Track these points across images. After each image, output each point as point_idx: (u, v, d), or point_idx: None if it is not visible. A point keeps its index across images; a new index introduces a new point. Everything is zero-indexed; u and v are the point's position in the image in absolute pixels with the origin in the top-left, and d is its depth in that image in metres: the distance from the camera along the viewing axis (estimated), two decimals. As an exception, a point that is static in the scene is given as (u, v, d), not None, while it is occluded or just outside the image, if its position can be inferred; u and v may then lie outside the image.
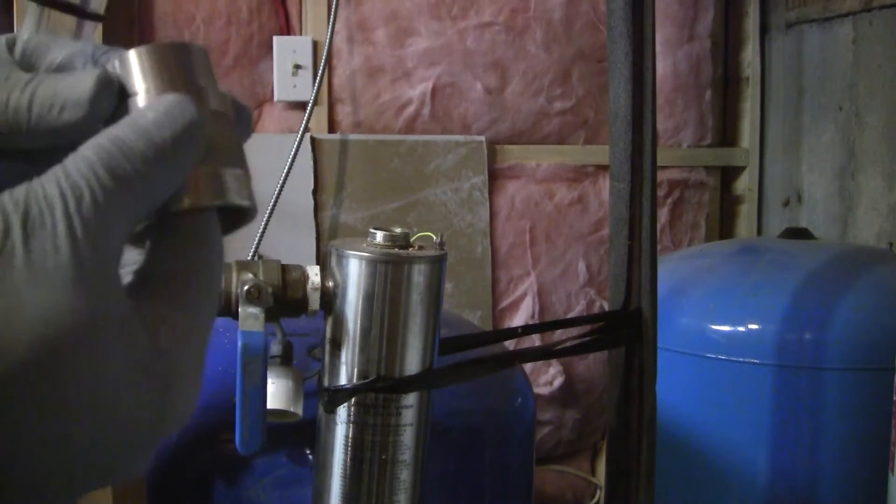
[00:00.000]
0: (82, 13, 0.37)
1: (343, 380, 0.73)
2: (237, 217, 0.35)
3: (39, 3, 0.36)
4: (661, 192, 2.24)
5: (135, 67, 0.34)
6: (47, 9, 0.36)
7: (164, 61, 0.34)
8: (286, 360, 0.95)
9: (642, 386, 0.96)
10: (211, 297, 0.33)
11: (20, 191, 0.28)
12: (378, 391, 0.73)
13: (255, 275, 0.72)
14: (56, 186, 0.28)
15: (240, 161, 0.35)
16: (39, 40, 0.36)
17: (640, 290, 0.95)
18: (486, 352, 0.98)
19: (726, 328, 1.53)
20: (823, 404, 1.46)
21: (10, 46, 0.35)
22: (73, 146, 0.34)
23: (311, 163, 1.99)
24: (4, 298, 0.26)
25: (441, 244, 0.75)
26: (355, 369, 0.73)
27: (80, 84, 0.33)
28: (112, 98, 0.33)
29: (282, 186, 1.78)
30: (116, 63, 0.34)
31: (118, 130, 0.30)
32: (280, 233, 1.87)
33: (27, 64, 0.35)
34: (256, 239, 1.70)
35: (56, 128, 0.32)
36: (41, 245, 0.27)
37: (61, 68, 0.36)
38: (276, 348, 0.95)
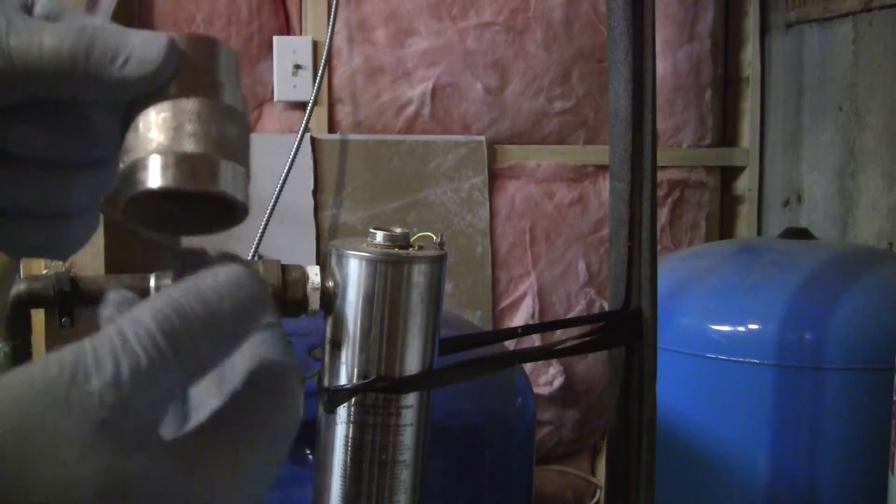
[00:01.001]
0: None
1: (343, 380, 0.73)
2: (228, 215, 0.35)
3: None
4: (661, 192, 2.24)
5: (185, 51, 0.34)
6: None
7: (191, 52, 0.34)
8: (286, 360, 0.95)
9: (642, 386, 0.96)
10: (276, 458, 0.31)
11: (70, 351, 0.27)
12: (378, 391, 0.73)
13: (255, 275, 0.72)
14: (110, 350, 0.27)
15: (243, 159, 0.35)
16: (58, 5, 0.35)
17: (640, 290, 0.95)
18: (486, 352, 0.98)
19: (726, 328, 1.53)
20: (823, 404, 1.46)
21: (27, 6, 0.34)
22: (108, 106, 0.33)
23: (311, 163, 1.99)
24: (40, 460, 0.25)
25: (441, 244, 0.75)
26: (355, 369, 0.73)
27: (152, 42, 0.32)
28: (173, 68, 0.33)
29: (282, 186, 1.78)
30: None
31: (178, 294, 0.29)
32: (280, 233, 1.87)
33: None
34: (256, 239, 1.70)
35: (114, 80, 0.32)
36: (79, 407, 0.26)
37: None
38: (276, 348, 0.94)
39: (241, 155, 0.35)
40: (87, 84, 0.32)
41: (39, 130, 0.35)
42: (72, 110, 0.35)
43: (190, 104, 0.33)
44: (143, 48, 0.32)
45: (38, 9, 0.35)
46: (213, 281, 0.30)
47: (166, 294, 0.29)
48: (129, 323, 0.28)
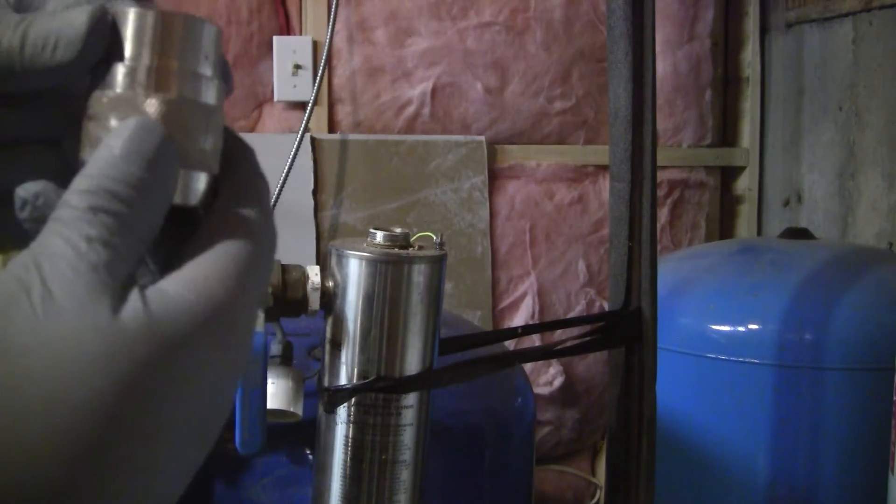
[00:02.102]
0: None
1: (343, 380, 0.73)
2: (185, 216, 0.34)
3: None
4: (661, 192, 2.24)
5: (132, 29, 0.32)
6: None
7: (164, 32, 0.32)
8: (286, 360, 0.95)
9: (642, 386, 0.96)
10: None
11: (24, 255, 0.27)
12: (378, 391, 0.73)
13: (255, 275, 0.71)
14: (59, 238, 0.28)
15: (206, 163, 0.33)
16: None
17: (640, 290, 0.95)
18: (486, 352, 0.98)
19: (726, 328, 1.53)
20: (823, 404, 1.46)
21: (19, 3, 0.34)
22: (65, 89, 0.33)
23: (311, 163, 1.99)
24: (49, 359, 0.26)
25: (441, 244, 0.75)
26: (355, 369, 0.73)
27: (74, 21, 0.31)
28: (105, 38, 0.32)
29: (282, 186, 1.78)
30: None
31: (93, 169, 0.29)
32: (280, 233, 1.86)
33: (24, 9, 0.33)
34: (256, 239, 1.70)
35: (49, 68, 0.31)
36: (67, 295, 0.27)
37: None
38: (276, 348, 0.95)
39: (204, 161, 0.33)
40: (30, 78, 0.31)
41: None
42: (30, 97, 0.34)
43: (153, 103, 0.32)
44: (65, 28, 0.31)
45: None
46: (118, 142, 0.30)
47: (83, 173, 0.29)
48: (64, 212, 0.28)
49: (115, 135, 0.30)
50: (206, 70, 0.34)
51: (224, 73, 0.35)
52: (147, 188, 0.30)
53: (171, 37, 0.33)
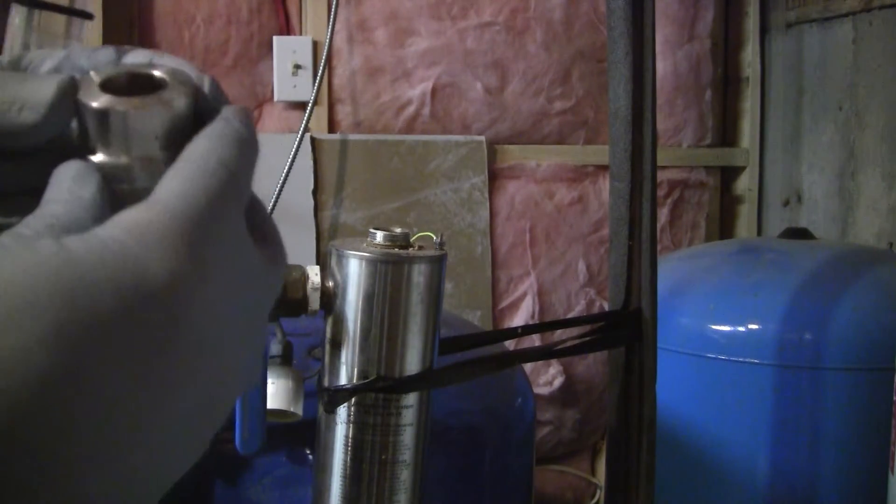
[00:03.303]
0: (71, 12, 0.36)
1: (343, 380, 0.73)
2: None
3: (26, 5, 0.36)
4: (661, 192, 2.24)
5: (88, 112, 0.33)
6: (36, 9, 0.36)
7: (100, 119, 0.33)
8: (286, 360, 0.95)
9: (642, 386, 0.96)
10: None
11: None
12: (378, 391, 0.73)
13: (255, 275, 0.71)
14: None
15: None
16: (40, 54, 0.36)
17: (640, 290, 0.95)
18: (486, 352, 0.98)
19: (726, 328, 1.53)
20: (823, 404, 1.46)
21: (15, 65, 0.36)
22: (35, 150, 0.33)
23: (311, 163, 1.99)
24: None
25: (441, 244, 0.75)
26: (355, 369, 0.73)
27: (43, 87, 0.32)
28: (69, 112, 0.33)
29: (282, 186, 1.78)
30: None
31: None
32: (280, 233, 1.87)
33: (19, 71, 0.35)
34: (256, 239, 1.70)
35: (14, 128, 0.32)
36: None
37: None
38: (276, 348, 0.95)
39: None
40: None
41: None
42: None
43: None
44: (33, 94, 0.32)
45: (23, 62, 0.35)
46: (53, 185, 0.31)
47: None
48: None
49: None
50: (124, 158, 0.34)
51: (174, 144, 0.34)
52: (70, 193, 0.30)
53: (103, 125, 0.33)
